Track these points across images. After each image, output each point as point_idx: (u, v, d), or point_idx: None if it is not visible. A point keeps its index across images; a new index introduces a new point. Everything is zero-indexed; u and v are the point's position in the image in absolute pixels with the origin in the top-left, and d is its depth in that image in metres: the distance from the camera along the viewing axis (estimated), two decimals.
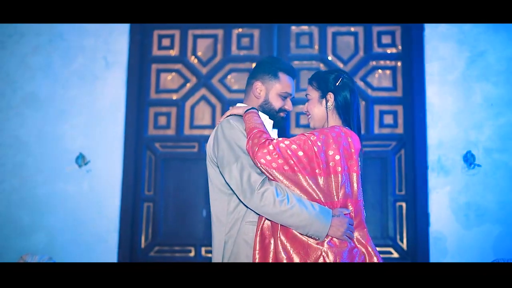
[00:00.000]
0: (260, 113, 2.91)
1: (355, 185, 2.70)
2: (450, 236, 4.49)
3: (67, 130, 4.80)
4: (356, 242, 2.65)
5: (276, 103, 2.95)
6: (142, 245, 4.78)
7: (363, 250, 2.64)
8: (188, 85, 4.94)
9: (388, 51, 4.87)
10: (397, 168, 4.70)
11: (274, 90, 2.95)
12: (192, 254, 4.75)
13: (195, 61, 4.96)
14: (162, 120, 4.91)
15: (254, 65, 4.80)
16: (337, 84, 2.81)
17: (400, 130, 4.75)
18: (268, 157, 2.57)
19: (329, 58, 4.86)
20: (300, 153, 2.61)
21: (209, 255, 4.73)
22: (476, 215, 4.48)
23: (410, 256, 4.59)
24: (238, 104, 3.01)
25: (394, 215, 4.66)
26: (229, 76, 4.92)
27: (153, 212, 4.81)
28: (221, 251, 2.78)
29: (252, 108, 2.84)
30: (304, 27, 4.93)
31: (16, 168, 4.77)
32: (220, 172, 2.76)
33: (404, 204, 4.66)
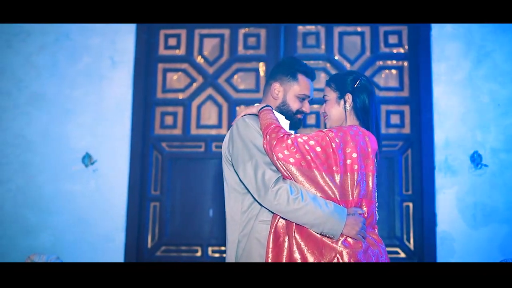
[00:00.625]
0: (277, 113, 2.90)
1: (370, 184, 2.71)
2: (457, 236, 4.48)
3: (73, 130, 4.80)
4: (369, 243, 2.63)
5: (294, 105, 2.95)
6: (149, 245, 4.78)
7: (376, 251, 2.63)
8: (195, 85, 4.93)
9: (395, 51, 4.86)
10: (404, 168, 4.69)
11: (292, 91, 2.94)
12: (198, 254, 4.75)
13: (202, 60, 4.95)
14: (169, 120, 4.91)
15: (261, 64, 4.86)
16: (355, 85, 2.83)
17: (407, 130, 4.74)
18: (286, 152, 2.57)
19: (336, 58, 4.86)
20: (318, 149, 2.60)
21: (216, 255, 4.73)
22: (483, 215, 4.47)
23: (417, 256, 4.58)
24: (255, 104, 2.98)
25: (401, 215, 4.65)
26: (235, 76, 4.92)
27: (160, 212, 4.81)
28: (235, 250, 2.77)
29: (267, 105, 2.83)
30: (311, 27, 4.92)
31: (22, 168, 4.77)
32: (235, 171, 2.76)
33: (411, 204, 4.65)
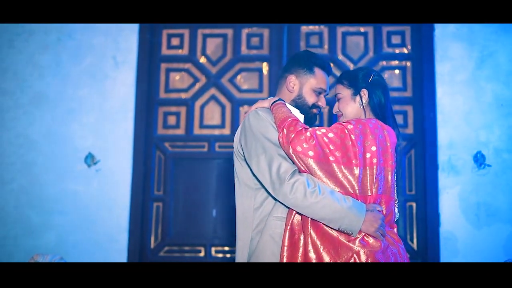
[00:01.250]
0: (291, 107, 2.83)
1: (389, 180, 2.62)
2: (461, 236, 4.48)
3: (76, 129, 4.80)
4: (388, 242, 2.55)
5: (310, 99, 2.87)
6: (152, 245, 4.77)
7: (395, 250, 2.55)
8: (198, 85, 4.93)
9: (398, 51, 4.86)
10: (407, 168, 4.69)
11: (308, 84, 2.87)
12: (202, 254, 4.74)
13: (205, 60, 4.95)
14: (172, 120, 4.90)
15: (264, 64, 4.85)
16: (369, 80, 2.77)
17: (410, 130, 4.74)
18: (305, 145, 2.48)
19: (339, 58, 4.85)
20: (337, 141, 2.53)
21: (219, 255, 4.72)
22: (486, 215, 4.47)
23: (420, 256, 4.58)
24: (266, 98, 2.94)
25: (404, 215, 4.64)
26: (238, 76, 4.91)
27: (163, 212, 4.80)
28: (247, 248, 2.69)
29: (279, 99, 2.77)
30: (314, 27, 4.92)
31: (25, 168, 4.76)
32: (248, 165, 2.70)
33: (414, 204, 4.65)
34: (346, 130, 2.57)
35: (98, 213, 4.70)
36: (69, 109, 4.82)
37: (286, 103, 2.80)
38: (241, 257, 2.72)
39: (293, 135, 2.50)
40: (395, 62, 4.83)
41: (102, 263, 2.97)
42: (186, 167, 4.85)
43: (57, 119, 4.81)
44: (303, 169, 2.52)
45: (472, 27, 4.67)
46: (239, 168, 2.78)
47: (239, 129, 2.80)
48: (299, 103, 2.87)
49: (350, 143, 2.54)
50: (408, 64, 4.83)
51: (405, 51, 4.84)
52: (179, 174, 4.85)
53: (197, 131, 4.88)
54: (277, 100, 2.75)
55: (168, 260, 4.70)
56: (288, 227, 2.55)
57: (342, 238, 2.48)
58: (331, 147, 2.51)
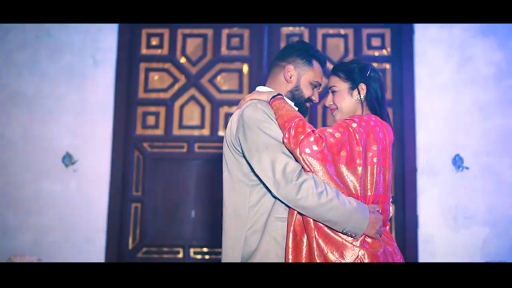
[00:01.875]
0: (287, 100, 2.72)
1: (387, 178, 2.57)
2: (439, 238, 4.51)
3: (54, 129, 4.74)
4: (384, 241, 2.52)
5: (307, 91, 2.75)
6: (130, 246, 4.73)
7: (390, 249, 2.51)
8: (177, 85, 4.90)
9: (378, 53, 4.88)
10: None
11: (306, 76, 2.75)
12: (180, 255, 4.72)
13: (185, 60, 4.92)
14: (151, 120, 4.87)
15: (244, 65, 4.83)
16: (367, 74, 2.68)
17: None
18: (315, 147, 2.39)
19: None
20: (344, 141, 2.46)
21: (198, 256, 4.70)
22: (464, 217, 4.51)
23: None
24: (259, 88, 2.83)
25: None
26: (218, 77, 4.89)
27: (141, 213, 4.76)
28: (240, 247, 2.56)
29: (279, 94, 2.65)
30: (294, 28, 4.92)
31: (1, 167, 4.70)
32: (247, 161, 2.56)
33: (393, 206, 4.65)
34: (350, 128, 2.50)
35: (75, 213, 4.65)
36: (46, 108, 4.76)
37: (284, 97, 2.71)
38: (232, 256, 2.60)
39: (302, 137, 2.41)
40: (375, 65, 4.82)
41: (79, 263, 2.92)
42: (165, 168, 4.82)
43: (35, 118, 4.75)
44: (308, 169, 2.43)
45: (452, 31, 4.70)
46: (233, 163, 2.64)
47: (234, 121, 2.65)
48: (296, 95, 2.75)
49: (355, 142, 2.48)
50: (388, 66, 4.85)
51: (385, 53, 4.87)
52: (158, 174, 4.82)
53: (176, 131, 4.85)
54: (277, 95, 2.64)
55: (147, 261, 4.66)
56: (291, 229, 2.47)
57: (345, 240, 2.43)
58: (338, 147, 2.45)
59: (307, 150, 2.40)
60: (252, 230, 2.55)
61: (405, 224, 4.57)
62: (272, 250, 2.51)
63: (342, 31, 4.90)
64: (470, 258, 4.42)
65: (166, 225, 4.75)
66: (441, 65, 4.69)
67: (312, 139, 2.41)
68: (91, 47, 4.82)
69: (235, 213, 2.60)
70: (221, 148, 4.70)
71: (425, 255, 4.48)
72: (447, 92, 4.65)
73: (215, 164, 4.75)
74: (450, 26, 4.70)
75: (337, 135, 2.46)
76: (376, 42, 4.89)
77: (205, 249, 4.70)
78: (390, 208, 2.70)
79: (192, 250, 4.71)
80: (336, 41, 4.91)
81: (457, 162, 4.56)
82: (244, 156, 2.58)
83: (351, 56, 4.85)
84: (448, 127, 4.61)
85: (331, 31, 4.91)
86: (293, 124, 2.45)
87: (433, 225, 4.53)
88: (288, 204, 2.45)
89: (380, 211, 2.53)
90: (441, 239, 4.51)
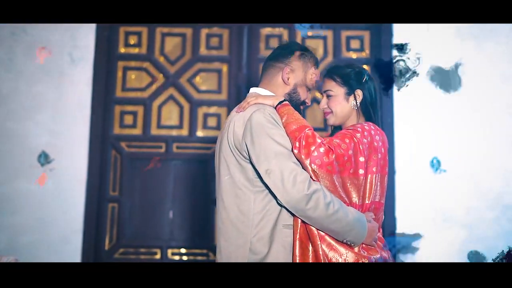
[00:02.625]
0: None
1: (384, 186, 2.62)
2: (417, 240, 4.52)
3: (30, 127, 4.67)
4: (378, 247, 2.57)
5: (303, 94, 2.74)
6: (106, 247, 4.69)
7: (385, 255, 2.56)
8: (156, 84, 4.86)
9: (356, 55, 4.89)
10: None
11: (304, 80, 2.73)
12: (158, 256, 4.68)
13: (163, 59, 4.89)
14: (129, 119, 4.82)
15: (223, 65, 4.81)
16: (363, 80, 2.71)
17: None
18: (325, 159, 2.40)
19: None
20: (350, 152, 2.47)
21: (176, 257, 4.67)
22: (442, 219, 4.54)
23: None
24: (256, 90, 2.79)
25: None
26: (197, 77, 4.86)
27: (118, 213, 4.72)
28: (245, 253, 2.53)
29: (284, 100, 2.62)
30: (274, 29, 4.91)
31: None
32: (253, 167, 2.53)
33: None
34: (355, 139, 2.51)
35: (51, 213, 4.59)
36: (22, 106, 4.69)
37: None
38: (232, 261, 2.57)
39: (313, 148, 2.41)
40: None
41: (55, 263, 2.88)
42: (143, 168, 4.78)
43: (10, 116, 4.67)
44: (315, 179, 2.43)
45: (429, 34, 4.72)
46: (237, 168, 2.59)
47: (239, 124, 2.59)
48: (293, 98, 2.72)
49: (359, 153, 2.50)
50: (366, 68, 4.86)
51: (364, 55, 4.88)
52: (136, 174, 4.78)
53: (154, 131, 4.81)
54: (283, 101, 2.61)
55: (124, 262, 4.62)
56: (297, 237, 2.47)
57: (345, 249, 2.46)
58: (345, 158, 2.46)
59: (318, 162, 2.40)
60: (257, 237, 2.52)
61: (383, 227, 4.53)
62: (281, 258, 2.49)
63: (321, 33, 4.90)
64: (448, 260, 4.44)
65: (143, 226, 4.72)
66: (419, 67, 4.71)
67: (322, 150, 2.41)
68: (69, 45, 4.76)
69: (237, 219, 2.57)
70: (200, 148, 4.72)
71: (403, 258, 4.50)
72: (425, 95, 4.67)
73: (193, 164, 4.73)
74: (427, 28, 4.72)
75: (344, 146, 2.47)
76: (355, 44, 4.90)
77: (183, 250, 4.68)
78: (382, 213, 2.73)
79: (170, 251, 4.68)
80: (315, 42, 4.91)
81: (435, 164, 4.58)
82: (250, 162, 2.55)
83: (330, 58, 4.86)
84: (426, 129, 4.63)
85: (310, 32, 4.91)
86: (303, 134, 2.44)
87: (411, 227, 4.55)
88: (296, 214, 2.44)
89: (374, 218, 2.57)
90: (419, 242, 4.53)
